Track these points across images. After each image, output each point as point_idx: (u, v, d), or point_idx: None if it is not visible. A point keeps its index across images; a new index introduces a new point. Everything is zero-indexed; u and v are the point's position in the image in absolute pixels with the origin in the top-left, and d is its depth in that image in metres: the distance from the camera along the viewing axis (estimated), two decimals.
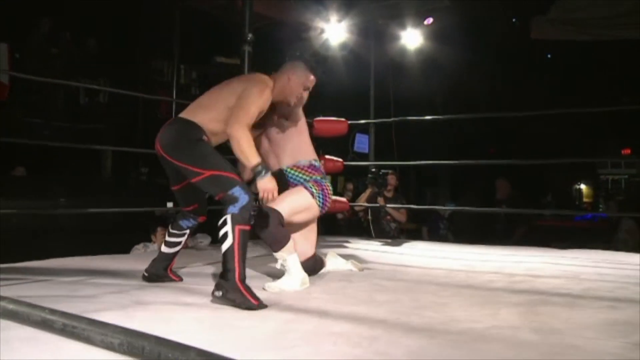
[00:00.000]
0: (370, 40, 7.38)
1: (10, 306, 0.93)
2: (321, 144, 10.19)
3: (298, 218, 3.12)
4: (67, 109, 8.72)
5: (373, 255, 4.44)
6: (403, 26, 7.56)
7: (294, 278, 2.91)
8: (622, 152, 14.24)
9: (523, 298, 2.70)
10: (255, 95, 2.77)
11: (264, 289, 2.81)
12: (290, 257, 2.93)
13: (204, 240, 5.14)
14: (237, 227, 2.49)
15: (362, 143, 12.17)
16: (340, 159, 5.40)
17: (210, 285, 2.58)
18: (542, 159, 9.85)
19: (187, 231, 3.07)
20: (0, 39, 7.80)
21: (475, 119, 9.45)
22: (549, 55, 11.16)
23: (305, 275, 2.96)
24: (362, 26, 7.53)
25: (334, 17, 7.54)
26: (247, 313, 2.32)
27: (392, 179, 6.08)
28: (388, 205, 6.00)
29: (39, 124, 8.22)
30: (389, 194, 6.10)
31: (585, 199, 14.84)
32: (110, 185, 8.17)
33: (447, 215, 8.11)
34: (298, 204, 3.09)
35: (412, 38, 7.70)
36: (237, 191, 2.56)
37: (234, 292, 2.41)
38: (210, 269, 3.52)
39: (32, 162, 7.60)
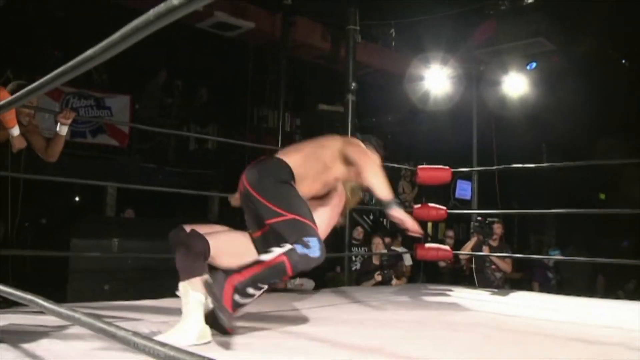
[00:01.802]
0: (472, 87, 7.40)
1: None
2: (424, 191, 10.25)
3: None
4: (179, 155, 9.30)
5: (477, 304, 4.36)
6: (506, 72, 7.51)
7: (190, 328, 2.36)
8: None
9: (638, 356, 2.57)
10: (363, 150, 2.83)
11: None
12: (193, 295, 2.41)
13: (307, 284, 5.25)
14: (284, 257, 2.31)
15: (463, 190, 12.04)
16: (443, 207, 5.39)
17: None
18: None
19: None
20: (123, 90, 8.54)
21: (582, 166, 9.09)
22: None
23: (205, 328, 2.38)
24: (464, 73, 7.56)
25: (435, 64, 7.64)
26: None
27: (498, 228, 5.97)
28: (493, 254, 5.88)
29: (153, 169, 8.79)
30: (494, 243, 5.98)
31: None
32: None
33: (552, 264, 7.81)
34: None
35: (515, 84, 7.63)
36: (313, 242, 2.38)
37: (221, 292, 2.23)
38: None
39: (145, 206, 8.11)
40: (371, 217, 10.37)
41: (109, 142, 8.30)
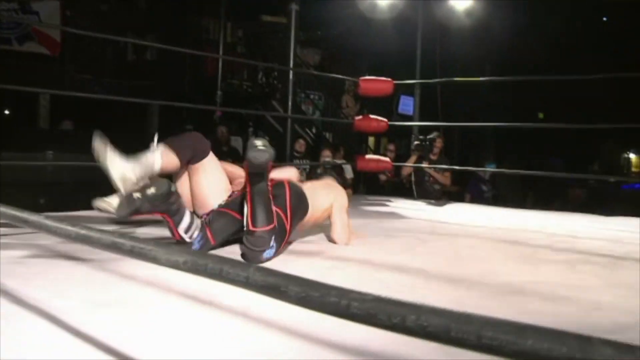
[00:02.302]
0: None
1: (83, 231, 1.02)
2: (366, 105, 10.27)
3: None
4: (116, 65, 8.92)
5: (414, 213, 4.49)
6: None
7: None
8: None
9: (563, 256, 2.72)
10: None
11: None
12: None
13: None
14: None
15: (406, 105, 12.12)
16: (384, 119, 5.40)
17: None
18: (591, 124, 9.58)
19: None
20: None
21: (523, 82, 9.26)
22: (605, 19, 10.75)
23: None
24: None
25: None
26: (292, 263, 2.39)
27: (438, 142, 6.04)
28: (432, 166, 5.99)
29: (89, 80, 8.44)
30: (434, 157, 6.08)
31: (634, 169, 14.45)
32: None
33: (488, 177, 8.03)
34: None
35: None
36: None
37: None
38: None
39: (81, 118, 7.84)
40: (314, 130, 10.37)
41: (39, 49, 7.84)
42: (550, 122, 13.64)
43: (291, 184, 2.57)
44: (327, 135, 10.45)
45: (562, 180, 8.22)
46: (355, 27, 10.63)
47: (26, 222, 1.18)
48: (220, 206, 2.47)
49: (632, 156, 13.97)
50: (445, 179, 6.19)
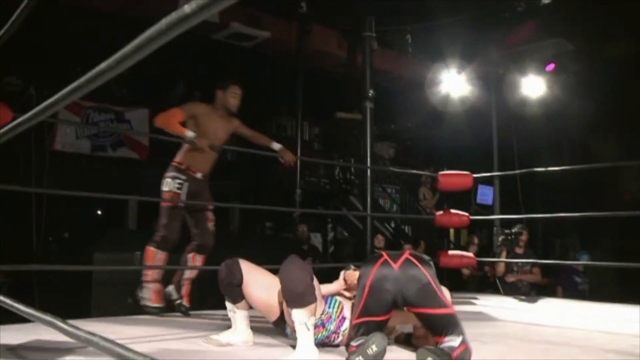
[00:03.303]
0: (491, 90, 7.31)
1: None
2: (444, 197, 10.16)
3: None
4: None
5: (505, 313, 4.27)
6: (524, 74, 7.41)
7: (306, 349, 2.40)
8: None
9: None
10: None
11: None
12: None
13: None
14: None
15: (485, 195, 11.90)
16: (466, 213, 5.31)
17: None
18: None
19: None
20: (142, 104, 8.57)
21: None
22: None
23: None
24: (483, 77, 7.48)
25: (453, 69, 7.57)
26: None
27: (524, 236, 5.84)
28: (520, 260, 5.77)
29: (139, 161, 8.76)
30: (520, 250, 5.87)
31: None
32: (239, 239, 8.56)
33: (581, 268, 7.64)
34: None
35: (534, 86, 7.52)
36: None
37: None
38: None
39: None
40: (392, 224, 10.31)
41: (130, 155, 8.34)
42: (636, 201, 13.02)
43: None
44: (406, 228, 10.35)
45: None
46: (428, 119, 10.73)
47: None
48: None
49: None
50: (535, 277, 5.91)
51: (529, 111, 7.88)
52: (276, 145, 4.38)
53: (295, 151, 9.16)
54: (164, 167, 3.90)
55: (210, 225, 4.10)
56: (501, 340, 3.13)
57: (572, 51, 7.51)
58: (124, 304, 5.29)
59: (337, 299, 2.76)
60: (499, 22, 7.03)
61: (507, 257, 5.80)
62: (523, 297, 5.33)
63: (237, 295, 2.71)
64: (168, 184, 3.93)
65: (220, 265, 2.74)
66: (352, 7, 7.15)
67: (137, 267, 5.43)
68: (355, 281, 2.62)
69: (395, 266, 2.45)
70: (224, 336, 2.74)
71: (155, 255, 3.85)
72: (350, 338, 2.48)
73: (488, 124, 7.27)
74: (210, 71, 9.24)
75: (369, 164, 7.09)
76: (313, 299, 2.42)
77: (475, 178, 5.41)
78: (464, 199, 10.10)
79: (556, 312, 4.40)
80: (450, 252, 5.38)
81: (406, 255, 2.53)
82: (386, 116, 10.79)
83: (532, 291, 5.91)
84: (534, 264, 5.86)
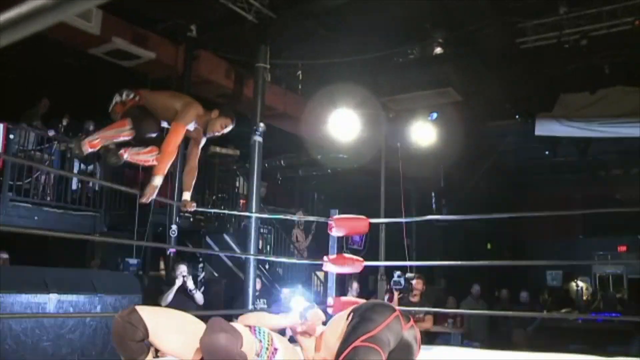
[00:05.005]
0: (380, 133, 7.21)
1: None
2: (316, 240, 9.95)
3: None
4: (59, 194, 8.30)
5: None
6: (414, 120, 7.45)
7: None
8: (619, 248, 14.10)
9: None
10: None
11: None
12: None
13: None
14: None
15: (356, 239, 11.91)
16: (359, 258, 5.06)
17: None
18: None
19: None
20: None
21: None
22: (547, 152, 11.15)
23: None
24: (373, 119, 7.40)
25: (342, 110, 7.40)
26: None
27: (417, 284, 5.71)
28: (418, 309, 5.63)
29: (28, 208, 7.80)
30: (415, 299, 5.72)
31: (584, 297, 14.49)
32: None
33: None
34: None
35: (420, 133, 7.58)
36: None
37: None
38: None
39: (17, 250, 7.18)
40: (267, 266, 9.86)
41: None
42: (497, 252, 13.83)
43: None
44: (279, 270, 9.97)
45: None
46: (309, 159, 10.57)
47: None
48: None
49: (582, 285, 14.08)
50: (427, 324, 5.79)
51: (415, 157, 7.94)
52: (186, 194, 3.81)
53: (173, 185, 8.52)
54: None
55: None
56: None
57: (456, 102, 7.69)
58: None
59: (264, 329, 2.49)
60: (393, 67, 7.02)
61: (399, 304, 5.61)
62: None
63: (140, 352, 2.23)
64: None
65: (114, 319, 2.25)
66: (246, 36, 6.78)
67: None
68: (320, 323, 2.51)
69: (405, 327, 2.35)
70: None
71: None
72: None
73: (376, 167, 7.13)
74: (82, 90, 8.39)
75: (254, 208, 6.67)
76: None
77: (370, 223, 5.19)
78: (336, 242, 9.93)
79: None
80: (343, 298, 5.09)
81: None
82: (269, 153, 10.44)
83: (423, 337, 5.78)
84: (426, 312, 5.74)
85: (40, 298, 5.43)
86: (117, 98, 3.47)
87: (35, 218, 7.78)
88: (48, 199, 8.13)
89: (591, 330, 8.74)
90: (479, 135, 9.01)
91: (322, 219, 5.38)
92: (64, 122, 8.41)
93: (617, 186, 13.34)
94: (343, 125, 7.48)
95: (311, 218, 6.89)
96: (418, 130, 7.40)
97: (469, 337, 7.70)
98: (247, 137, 6.84)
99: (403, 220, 6.34)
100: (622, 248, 14.09)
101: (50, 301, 5.49)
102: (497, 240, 14.02)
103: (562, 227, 14.34)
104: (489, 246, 14.22)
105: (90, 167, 8.70)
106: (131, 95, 3.46)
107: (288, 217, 8.39)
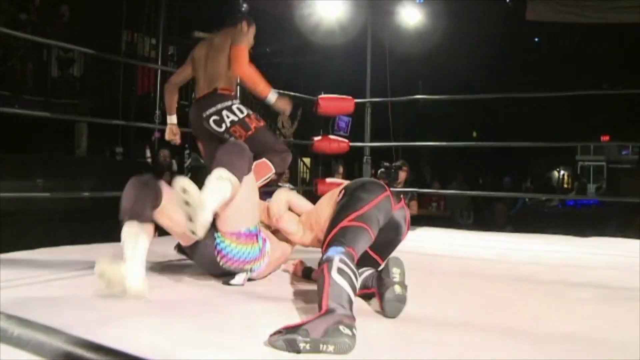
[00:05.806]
0: (366, 15, 6.96)
1: None
2: (303, 126, 9.92)
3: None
4: (38, 82, 8.09)
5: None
6: (400, 3, 7.20)
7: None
8: (602, 138, 14.28)
9: (587, 294, 2.41)
10: None
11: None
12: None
13: None
14: None
15: (342, 123, 11.86)
16: (345, 140, 5.06)
17: None
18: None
19: None
20: None
21: (455, 101, 9.26)
22: (536, 39, 10.97)
23: None
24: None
25: None
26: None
27: (403, 173, 5.72)
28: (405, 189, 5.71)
29: (6, 97, 7.62)
30: (399, 186, 5.78)
31: (565, 185, 14.85)
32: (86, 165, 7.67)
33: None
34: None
35: (408, 16, 7.36)
36: None
37: None
38: None
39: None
40: None
41: None
42: (483, 140, 13.91)
43: None
44: None
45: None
46: (293, 44, 10.33)
47: None
48: None
49: (564, 172, 14.39)
50: (413, 209, 5.89)
51: (402, 40, 7.75)
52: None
53: (155, 71, 8.33)
54: None
55: None
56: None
57: None
58: None
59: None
60: None
61: None
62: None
63: (147, 216, 2.20)
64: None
65: (131, 180, 2.27)
66: None
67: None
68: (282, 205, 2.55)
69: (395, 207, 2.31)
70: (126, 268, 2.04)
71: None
72: (330, 240, 2.07)
73: (361, 51, 6.95)
74: None
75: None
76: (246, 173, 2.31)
77: (356, 103, 5.16)
78: (322, 128, 9.92)
79: (439, 240, 4.35)
80: (328, 179, 5.14)
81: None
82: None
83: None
84: (411, 197, 5.83)
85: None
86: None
87: (16, 106, 7.64)
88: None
89: (570, 215, 9.02)
90: (467, 20, 8.76)
91: (308, 97, 5.32)
92: (36, 2, 8.06)
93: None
94: (326, 7, 7.27)
95: (298, 95, 6.80)
96: (404, 10, 7.20)
97: (453, 221, 7.96)
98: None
99: (389, 99, 6.28)
100: (605, 138, 14.27)
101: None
102: (482, 128, 14.09)
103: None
104: (474, 134, 14.34)
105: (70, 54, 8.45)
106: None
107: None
